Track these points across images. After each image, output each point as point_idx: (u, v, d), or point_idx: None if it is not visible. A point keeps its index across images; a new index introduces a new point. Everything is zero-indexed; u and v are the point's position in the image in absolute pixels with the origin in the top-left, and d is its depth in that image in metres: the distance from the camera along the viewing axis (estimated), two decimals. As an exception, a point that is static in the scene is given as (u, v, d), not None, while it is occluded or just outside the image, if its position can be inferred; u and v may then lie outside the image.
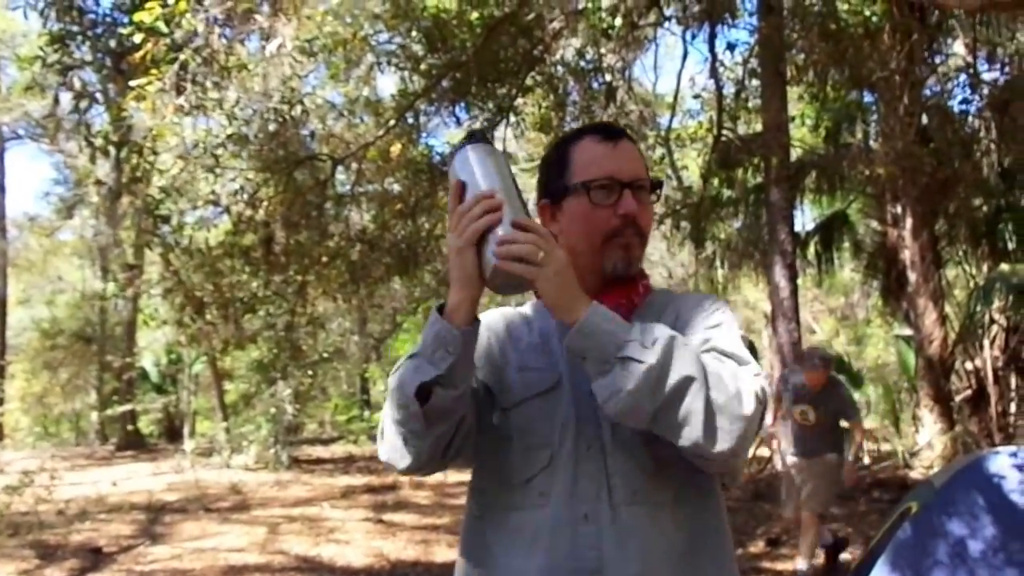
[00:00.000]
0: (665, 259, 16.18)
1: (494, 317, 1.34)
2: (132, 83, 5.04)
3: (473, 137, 1.16)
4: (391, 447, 1.18)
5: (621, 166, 1.22)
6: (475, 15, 6.20)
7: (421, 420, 1.10)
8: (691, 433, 1.06)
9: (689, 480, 1.18)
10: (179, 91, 5.07)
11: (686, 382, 1.05)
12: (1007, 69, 7.18)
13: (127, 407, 14.87)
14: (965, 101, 7.32)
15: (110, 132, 5.88)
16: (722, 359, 1.13)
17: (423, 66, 6.51)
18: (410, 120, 6.91)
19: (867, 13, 5.93)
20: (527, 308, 1.35)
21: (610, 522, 1.14)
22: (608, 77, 7.34)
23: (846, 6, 6.37)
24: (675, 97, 8.98)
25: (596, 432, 1.18)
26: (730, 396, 1.07)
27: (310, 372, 11.76)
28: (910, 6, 5.69)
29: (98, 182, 13.18)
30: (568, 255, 1.13)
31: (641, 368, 1.03)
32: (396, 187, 7.23)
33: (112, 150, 6.17)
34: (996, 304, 6.42)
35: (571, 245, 1.21)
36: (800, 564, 4.93)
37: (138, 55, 4.86)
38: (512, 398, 1.22)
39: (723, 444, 1.06)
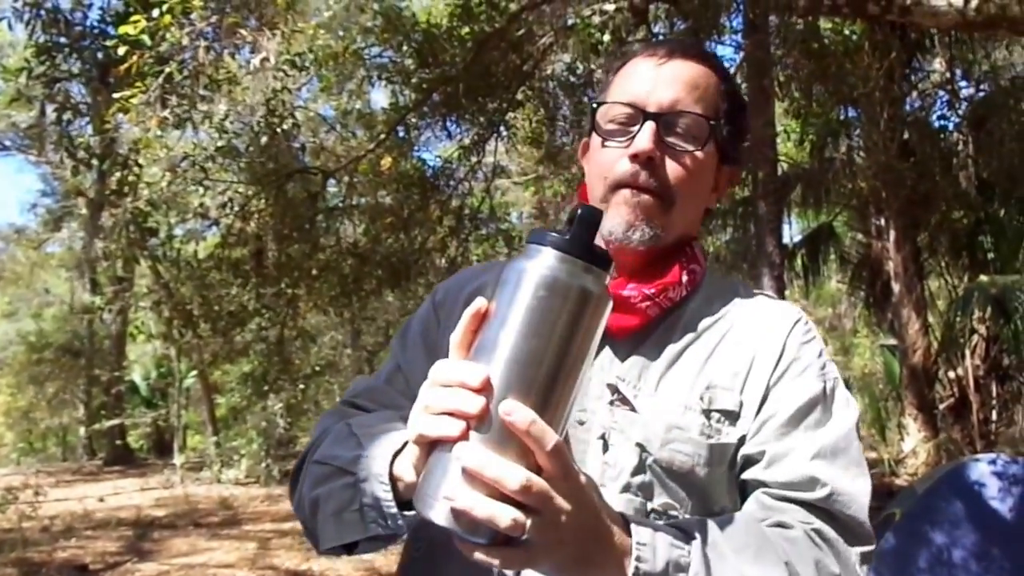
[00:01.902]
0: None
1: (470, 285, 0.96)
2: (116, 95, 5.08)
3: (561, 238, 0.62)
4: (325, 535, 0.82)
5: (653, 89, 0.87)
6: (466, 30, 6.29)
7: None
8: None
9: None
10: (164, 104, 5.11)
11: None
12: (983, 86, 7.37)
13: (115, 421, 14.76)
14: (943, 117, 7.50)
15: (92, 144, 5.90)
16: (820, 545, 0.75)
17: (414, 80, 6.58)
18: (401, 133, 6.98)
19: (847, 32, 6.08)
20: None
21: None
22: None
23: (828, 25, 6.51)
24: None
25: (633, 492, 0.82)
26: None
27: (301, 386, 11.74)
28: (890, 25, 5.83)
29: (79, 193, 13.15)
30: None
31: None
32: (388, 200, 7.28)
33: (95, 162, 6.18)
34: (977, 314, 6.54)
35: (590, 194, 0.92)
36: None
37: (123, 67, 4.90)
38: None
39: None
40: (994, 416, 7.16)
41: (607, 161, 0.88)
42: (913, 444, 7.27)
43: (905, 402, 7.45)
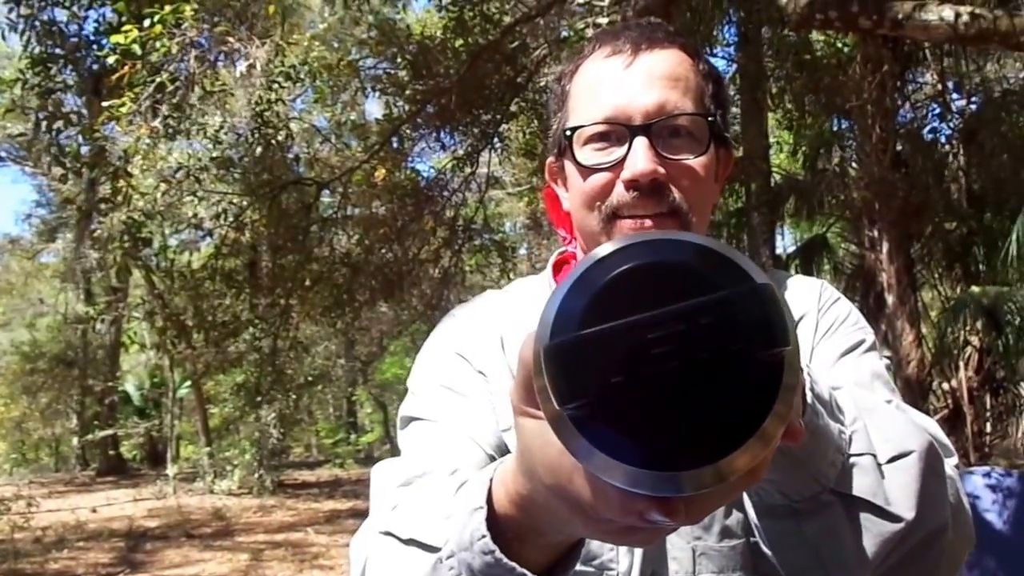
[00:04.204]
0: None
1: (488, 329, 0.82)
2: (105, 104, 5.09)
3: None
4: None
5: (631, 95, 0.73)
6: (460, 42, 6.32)
7: None
8: None
9: None
10: (155, 113, 5.12)
11: (935, 539, 0.61)
12: (975, 98, 7.43)
13: (109, 432, 14.70)
14: (934, 130, 7.56)
15: (80, 152, 5.90)
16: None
17: (408, 91, 6.61)
18: (395, 145, 7.00)
19: (839, 45, 6.13)
20: (535, 297, 0.83)
21: None
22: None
23: (821, 38, 6.57)
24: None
25: (666, 550, 0.71)
26: (962, 510, 0.66)
27: (294, 396, 11.71)
28: (882, 38, 5.88)
29: (67, 200, 13.13)
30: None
31: (887, 529, 0.58)
32: (382, 211, 7.29)
33: (85, 171, 6.19)
34: (970, 326, 6.56)
35: (577, 228, 0.81)
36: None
37: (114, 77, 4.91)
38: None
39: None
40: (988, 428, 7.16)
41: (596, 188, 0.75)
42: (908, 455, 7.27)
43: (899, 413, 7.45)
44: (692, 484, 0.39)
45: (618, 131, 0.73)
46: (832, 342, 0.78)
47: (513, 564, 0.51)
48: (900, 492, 0.57)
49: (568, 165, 0.79)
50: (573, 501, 0.43)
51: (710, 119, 0.75)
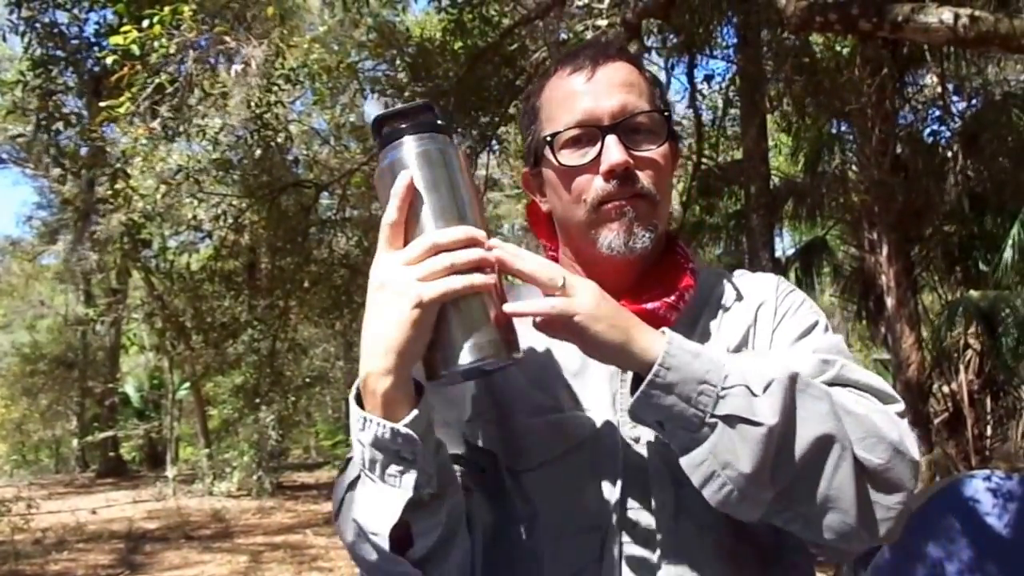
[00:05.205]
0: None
1: None
2: (103, 104, 5.09)
3: (423, 118, 0.77)
4: None
5: (596, 101, 0.86)
6: (459, 45, 6.32)
7: (418, 573, 0.75)
8: (836, 522, 0.74)
9: (780, 559, 0.85)
10: (154, 114, 5.11)
11: (823, 445, 0.73)
12: (975, 101, 7.41)
13: (108, 433, 14.71)
14: (934, 133, 7.54)
15: (79, 152, 5.90)
16: (860, 395, 0.81)
17: (407, 93, 6.60)
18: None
19: (838, 48, 6.12)
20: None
21: None
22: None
23: (820, 40, 6.56)
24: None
25: (650, 502, 0.82)
26: (890, 453, 0.76)
27: (292, 398, 11.71)
28: (882, 41, 5.87)
29: (66, 202, 13.13)
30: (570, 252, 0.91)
31: (757, 432, 0.71)
32: (380, 213, 7.29)
33: (84, 172, 6.18)
34: (971, 329, 6.54)
35: (562, 226, 0.92)
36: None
37: (114, 78, 4.91)
38: (528, 458, 0.84)
39: (882, 528, 0.76)
40: (989, 431, 7.14)
41: (580, 185, 0.87)
42: (908, 459, 7.25)
43: (899, 416, 7.44)
44: None
45: (590, 132, 0.86)
46: (792, 323, 0.91)
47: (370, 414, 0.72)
48: (766, 407, 0.72)
49: (548, 171, 0.91)
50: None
51: (666, 114, 0.89)
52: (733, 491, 0.72)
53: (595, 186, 0.86)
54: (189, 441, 17.53)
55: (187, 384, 13.56)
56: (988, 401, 7.06)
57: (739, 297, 0.93)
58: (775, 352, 0.88)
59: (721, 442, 0.72)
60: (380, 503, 0.72)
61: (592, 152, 0.86)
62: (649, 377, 0.72)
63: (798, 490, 0.73)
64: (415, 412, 0.71)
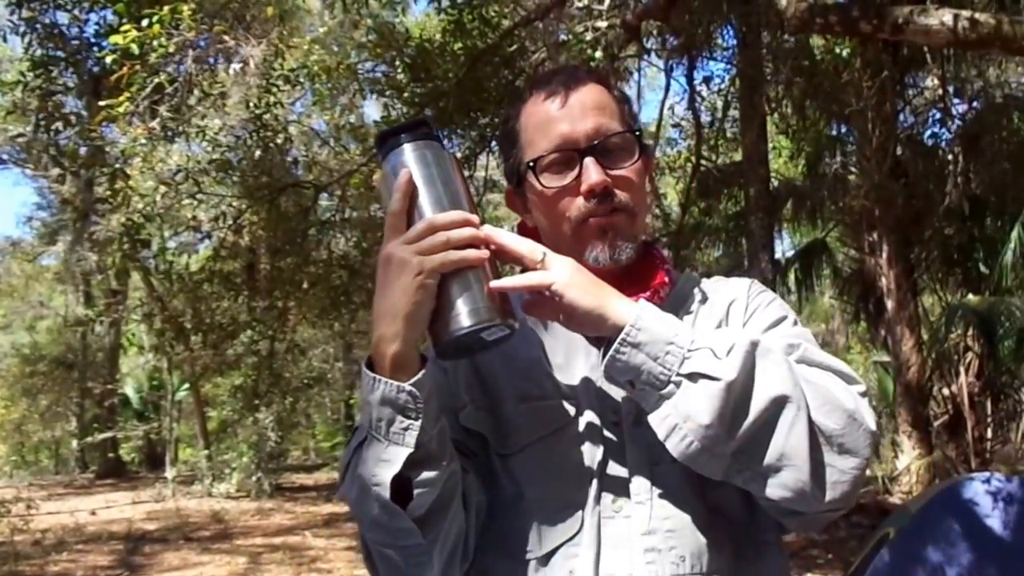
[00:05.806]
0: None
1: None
2: (102, 103, 5.08)
3: (419, 131, 0.90)
4: None
5: (572, 125, 0.93)
6: (459, 45, 6.32)
7: (416, 530, 0.81)
8: (791, 480, 0.79)
9: (751, 535, 0.91)
10: (153, 114, 5.11)
11: (779, 404, 0.79)
12: (976, 103, 7.40)
13: (108, 434, 14.70)
14: (934, 135, 7.54)
15: (78, 152, 5.89)
16: (822, 373, 0.86)
17: (407, 94, 6.60)
18: (394, 148, 6.98)
19: (838, 50, 6.11)
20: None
21: None
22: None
23: (820, 43, 6.55)
24: (658, 127, 9.13)
25: (628, 480, 0.89)
26: (846, 420, 0.82)
27: (291, 399, 11.69)
28: (883, 43, 5.86)
29: (65, 201, 13.13)
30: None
31: (716, 387, 0.78)
32: (380, 213, 7.29)
33: (83, 171, 6.18)
34: (971, 332, 6.53)
35: (549, 241, 0.96)
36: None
37: (113, 78, 4.91)
38: (515, 441, 0.91)
39: (835, 491, 0.81)
40: (989, 434, 7.13)
41: (563, 206, 0.94)
42: (907, 462, 7.23)
43: (899, 419, 7.42)
44: None
45: (568, 155, 0.93)
46: (762, 316, 0.98)
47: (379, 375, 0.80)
48: (727, 366, 0.78)
49: (532, 191, 0.97)
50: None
51: (637, 133, 0.96)
52: (693, 442, 0.78)
53: (577, 205, 0.93)
54: (188, 442, 17.51)
55: (186, 385, 13.55)
56: (988, 403, 7.05)
57: (712, 296, 1.00)
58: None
59: (684, 397, 0.79)
60: (384, 458, 0.79)
61: (572, 174, 0.93)
62: (621, 336, 0.80)
63: (755, 446, 0.79)
64: (420, 374, 0.80)
